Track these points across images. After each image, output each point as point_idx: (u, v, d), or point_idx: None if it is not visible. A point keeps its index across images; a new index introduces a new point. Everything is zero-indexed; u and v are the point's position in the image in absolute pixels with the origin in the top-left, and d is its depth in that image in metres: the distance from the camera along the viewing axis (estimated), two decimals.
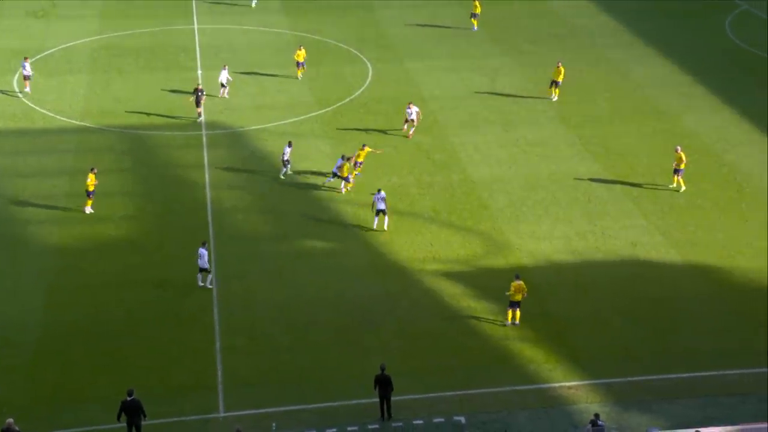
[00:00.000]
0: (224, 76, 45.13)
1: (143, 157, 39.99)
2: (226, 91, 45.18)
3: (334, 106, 44.74)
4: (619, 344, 28.37)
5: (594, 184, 37.32)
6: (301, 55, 47.32)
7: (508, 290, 28.76)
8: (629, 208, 35.55)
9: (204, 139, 41.47)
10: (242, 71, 47.85)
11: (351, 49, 51.65)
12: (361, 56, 50.57)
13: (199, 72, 48.46)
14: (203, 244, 30.86)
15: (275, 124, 43.00)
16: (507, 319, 29.05)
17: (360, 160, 37.70)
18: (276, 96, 45.74)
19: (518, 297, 28.68)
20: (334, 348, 28.36)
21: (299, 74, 47.38)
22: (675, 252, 32.74)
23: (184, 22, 55.75)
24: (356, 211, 35.68)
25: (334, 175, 36.53)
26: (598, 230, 34.17)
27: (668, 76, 47.33)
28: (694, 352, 27.89)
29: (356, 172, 37.48)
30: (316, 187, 37.40)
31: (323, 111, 44.29)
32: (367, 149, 38.00)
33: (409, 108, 41.03)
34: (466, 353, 28.10)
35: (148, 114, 43.68)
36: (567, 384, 26.77)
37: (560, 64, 44.80)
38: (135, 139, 41.55)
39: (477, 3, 54.20)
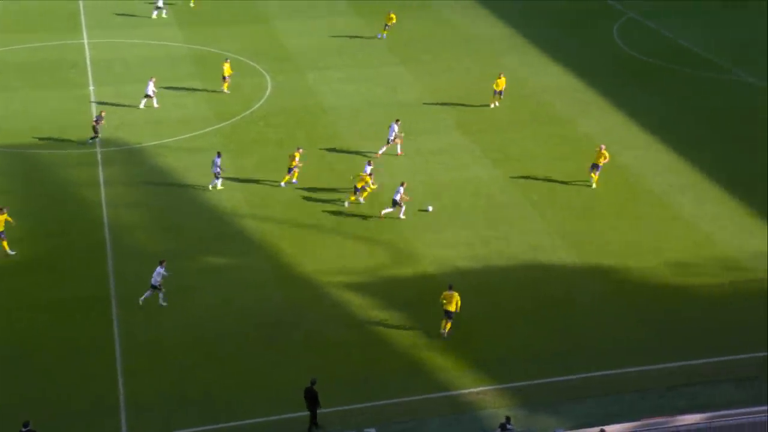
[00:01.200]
0: (150, 88, 44.60)
1: (34, 177, 38.69)
2: (154, 101, 44.60)
3: (233, 120, 44.26)
4: (525, 347, 28.89)
5: (495, 190, 37.95)
6: (227, 69, 46.70)
7: (441, 297, 28.89)
8: (529, 212, 36.27)
9: (99, 156, 40.39)
10: (137, 86, 46.80)
11: (249, 62, 51.22)
12: (259, 68, 50.20)
13: (91, 88, 47.21)
14: (161, 263, 30.04)
15: (173, 139, 42.23)
16: (441, 328, 29.01)
17: (293, 165, 37.56)
18: (173, 111, 44.95)
19: (450, 307, 28.69)
20: (240, 365, 27.97)
21: (225, 88, 46.75)
22: (574, 254, 33.56)
23: (73, 36, 54.24)
24: (259, 224, 35.33)
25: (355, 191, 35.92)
26: (500, 235, 34.75)
27: (562, 82, 48.59)
28: (596, 351, 28.62)
29: (292, 180, 37.50)
30: (218, 201, 36.87)
31: (222, 125, 43.75)
32: (298, 154, 37.76)
33: (393, 126, 40.26)
34: (376, 364, 28.12)
35: (38, 132, 42.28)
36: (476, 389, 27.07)
37: (502, 75, 45.60)
38: (25, 159, 40.15)
39: (392, 15, 54.44)
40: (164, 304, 30.24)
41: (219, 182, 37.49)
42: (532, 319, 30.15)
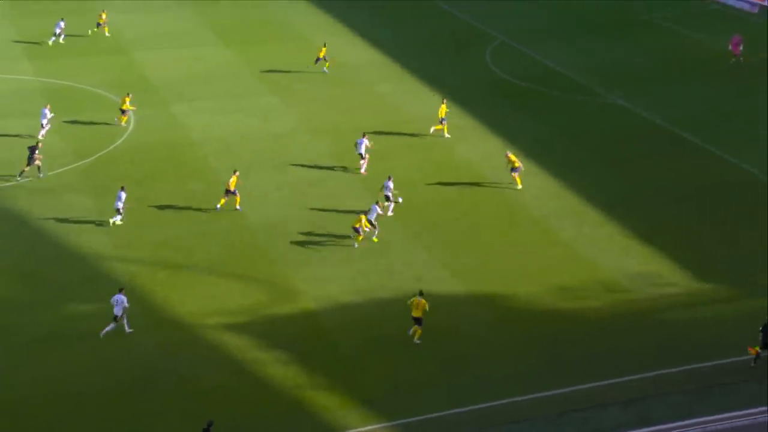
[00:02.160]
0: (45, 114, 43.92)
1: None
2: (42, 131, 43.90)
3: (95, 157, 43.21)
4: (412, 380, 29.16)
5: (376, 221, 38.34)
6: (126, 102, 45.95)
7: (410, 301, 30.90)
8: (411, 242, 36.77)
9: None
10: None
11: (108, 95, 50.22)
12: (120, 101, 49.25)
13: None
14: (120, 291, 30.59)
15: (28, 179, 40.86)
16: (412, 332, 30.86)
17: (232, 188, 37.72)
18: (25, 149, 43.47)
19: (418, 313, 30.40)
20: (112, 418, 27.13)
21: (123, 122, 46.10)
22: (459, 283, 34.20)
23: None
24: (127, 266, 34.53)
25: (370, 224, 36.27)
26: (382, 268, 35.06)
27: (439, 108, 49.65)
28: (486, 380, 29.17)
29: (237, 206, 37.79)
30: (81, 244, 35.82)
31: (82, 162, 42.64)
32: (235, 177, 38.31)
33: (361, 140, 41.65)
34: (258, 407, 27.82)
35: None
36: (364, 429, 27.10)
37: (445, 101, 46.28)
38: None
39: (323, 48, 54.24)
40: (130, 330, 30.44)
41: (119, 219, 36.77)
42: (419, 350, 30.50)
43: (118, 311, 30.28)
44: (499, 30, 62.68)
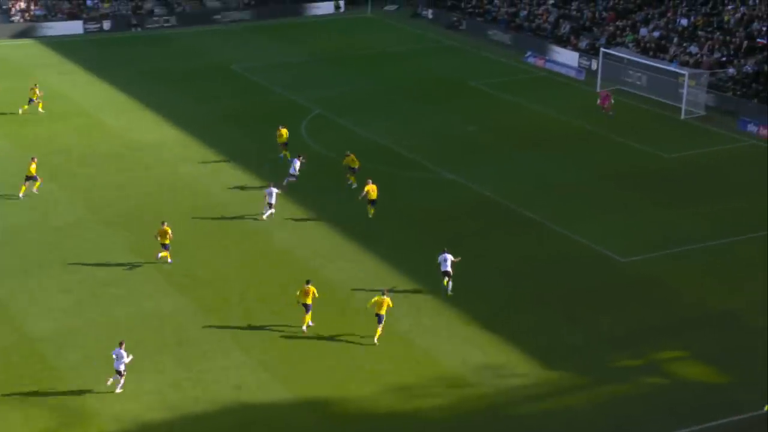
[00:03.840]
0: None
1: None
2: None
3: None
4: None
5: (185, 322, 36.97)
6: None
7: (369, 303, 35.81)
8: (228, 345, 35.67)
9: None
10: None
11: None
12: None
13: None
14: (120, 345, 32.58)
15: None
16: (375, 333, 35.75)
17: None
18: None
19: (382, 311, 35.50)
20: None
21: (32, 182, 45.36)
22: (283, 388, 33.31)
23: None
24: None
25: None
26: (195, 376, 33.75)
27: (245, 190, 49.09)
28: None
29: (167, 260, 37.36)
30: None
31: None
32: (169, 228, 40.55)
33: (270, 189, 45.34)
34: None
35: None
36: None
37: (351, 154, 48.83)
38: None
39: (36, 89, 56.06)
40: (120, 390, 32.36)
41: None
42: None
43: (120, 366, 32.47)
44: (315, 101, 63.23)
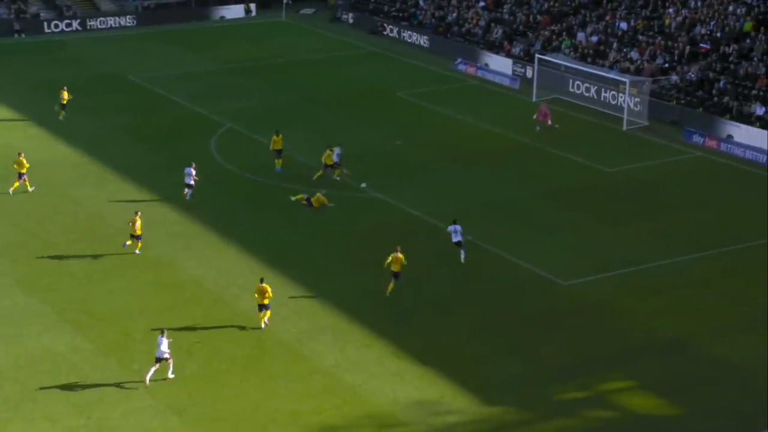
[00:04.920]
0: None
1: None
2: None
3: None
4: None
5: (80, 363, 36.13)
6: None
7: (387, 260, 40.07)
8: (131, 387, 34.85)
9: None
10: None
11: None
12: None
13: None
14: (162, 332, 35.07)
15: None
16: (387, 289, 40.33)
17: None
18: None
19: (396, 267, 40.12)
20: None
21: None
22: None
23: None
24: None
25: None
26: (93, 424, 32.91)
27: (159, 215, 48.26)
28: None
29: None
30: None
31: None
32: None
33: (188, 169, 48.48)
34: None
35: None
36: None
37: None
38: None
39: (65, 93, 58.35)
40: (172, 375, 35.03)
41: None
42: None
43: (164, 353, 35.02)
44: (225, 114, 62.66)
